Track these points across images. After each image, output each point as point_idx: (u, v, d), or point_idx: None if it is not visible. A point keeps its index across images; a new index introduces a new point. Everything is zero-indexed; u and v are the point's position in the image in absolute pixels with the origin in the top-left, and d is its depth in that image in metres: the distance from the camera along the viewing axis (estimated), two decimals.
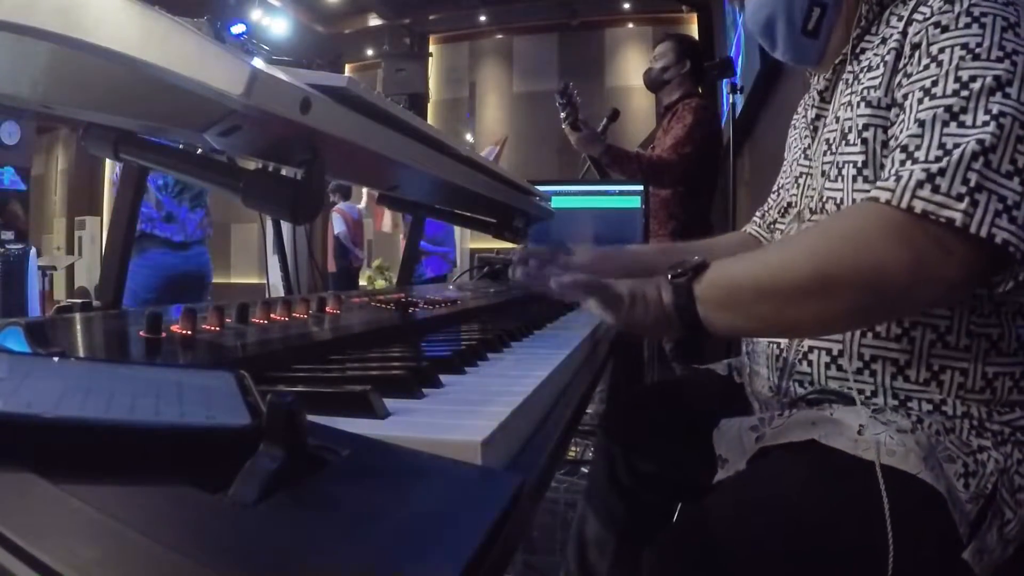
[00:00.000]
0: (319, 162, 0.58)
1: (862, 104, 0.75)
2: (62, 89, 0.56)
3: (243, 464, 0.26)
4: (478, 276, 1.92)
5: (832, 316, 0.66)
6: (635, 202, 2.16)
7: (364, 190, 6.11)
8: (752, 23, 0.90)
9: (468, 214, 1.43)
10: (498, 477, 0.35)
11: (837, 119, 0.80)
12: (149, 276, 2.59)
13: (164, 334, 0.54)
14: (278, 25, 6.72)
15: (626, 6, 8.61)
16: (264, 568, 0.21)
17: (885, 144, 0.73)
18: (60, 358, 0.38)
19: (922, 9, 0.71)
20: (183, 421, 0.28)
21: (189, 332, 0.55)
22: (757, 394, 0.89)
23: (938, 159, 0.62)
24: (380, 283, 6.46)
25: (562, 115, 2.28)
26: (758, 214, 1.11)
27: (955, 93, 0.64)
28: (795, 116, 0.98)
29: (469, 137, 8.90)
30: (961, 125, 0.63)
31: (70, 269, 8.68)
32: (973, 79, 0.64)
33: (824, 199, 0.80)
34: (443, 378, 0.55)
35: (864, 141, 0.75)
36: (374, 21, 8.81)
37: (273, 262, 2.17)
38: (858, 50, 0.81)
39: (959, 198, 0.60)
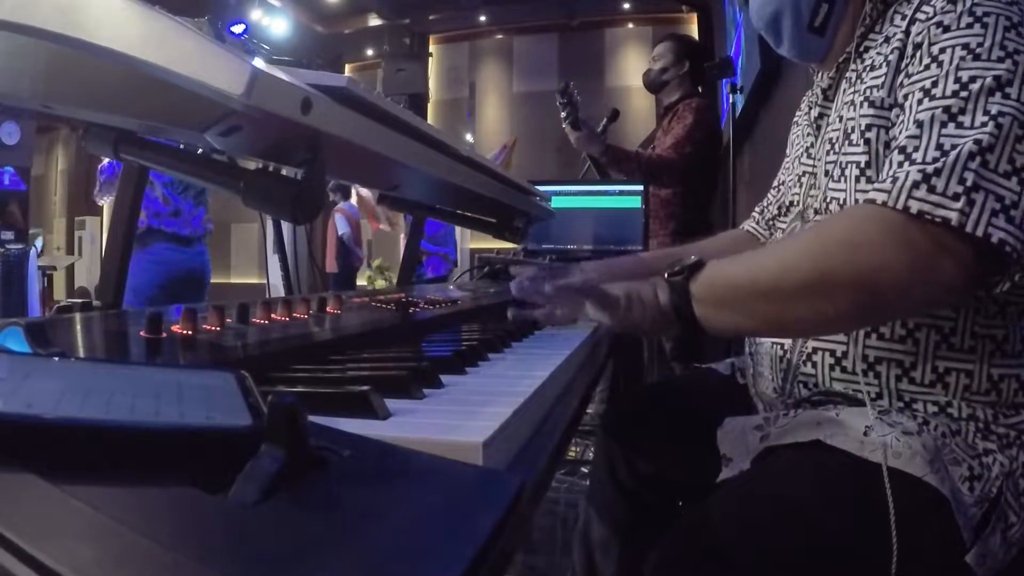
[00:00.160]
0: (319, 162, 0.58)
1: (865, 104, 0.75)
2: (62, 89, 0.56)
3: (244, 465, 0.26)
4: (478, 276, 1.92)
5: (830, 316, 0.66)
6: (635, 202, 2.16)
7: (353, 191, 6.10)
8: (758, 18, 0.90)
9: (468, 214, 1.43)
10: (498, 478, 0.35)
11: (840, 118, 0.80)
12: (154, 272, 2.62)
13: (164, 334, 0.54)
14: (278, 25, 6.72)
15: (626, 6, 8.60)
16: (264, 568, 0.21)
17: (888, 145, 0.72)
18: (60, 358, 0.38)
19: (925, 8, 0.71)
20: (184, 422, 0.28)
21: (190, 332, 0.55)
22: (761, 395, 0.88)
23: (935, 159, 0.62)
24: (380, 283, 6.46)
25: (562, 114, 2.28)
26: (757, 210, 1.11)
27: (954, 94, 0.64)
28: (798, 113, 0.98)
29: (469, 137, 8.89)
30: (959, 126, 0.63)
31: (70, 269, 8.67)
32: (973, 80, 0.64)
33: (828, 200, 0.80)
34: (444, 378, 0.55)
35: (867, 142, 0.74)
36: (374, 21, 8.80)
37: (273, 262, 2.17)
38: (862, 48, 0.81)
39: (955, 198, 0.60)
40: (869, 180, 0.74)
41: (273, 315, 0.68)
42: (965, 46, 0.66)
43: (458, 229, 5.80)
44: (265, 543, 0.23)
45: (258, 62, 0.47)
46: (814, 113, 0.88)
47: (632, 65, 8.20)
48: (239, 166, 0.63)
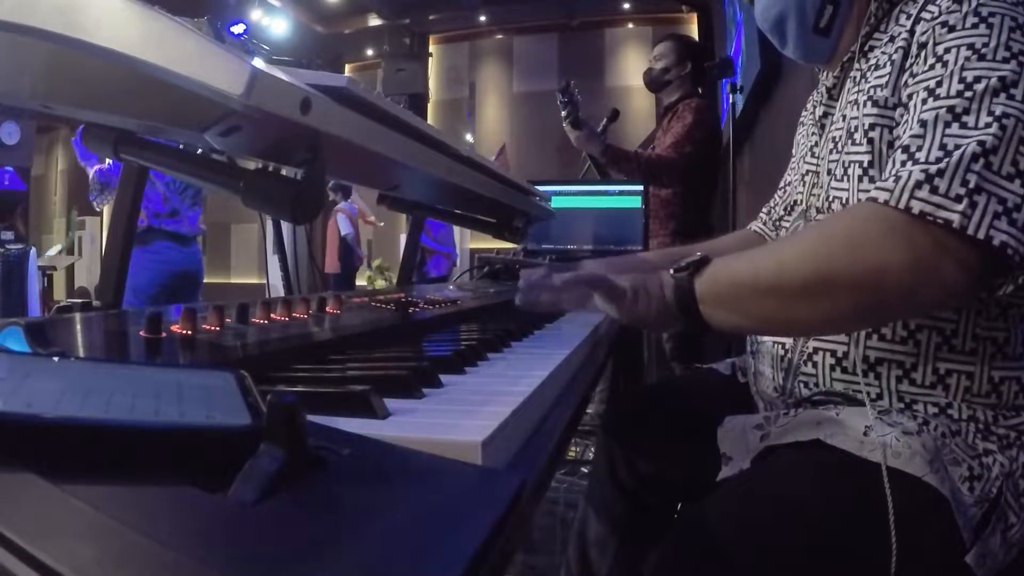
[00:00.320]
0: (319, 162, 0.58)
1: (869, 103, 0.75)
2: (62, 89, 0.56)
3: (243, 464, 0.26)
4: (478, 276, 1.92)
5: (832, 316, 0.66)
6: (635, 202, 2.16)
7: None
8: (762, 20, 0.90)
9: (468, 214, 1.43)
10: (498, 477, 0.35)
11: (844, 117, 0.80)
12: (155, 271, 2.66)
13: (164, 334, 0.54)
14: (278, 25, 6.73)
15: (626, 6, 8.60)
16: (264, 568, 0.21)
17: (891, 144, 0.72)
18: (60, 358, 0.38)
19: (930, 8, 0.71)
20: (183, 421, 0.28)
21: (189, 332, 0.55)
22: (762, 394, 0.88)
23: (938, 160, 0.62)
24: (380, 283, 6.47)
25: (563, 113, 2.28)
26: (764, 211, 1.11)
27: (959, 94, 0.64)
28: (804, 112, 0.98)
29: (469, 137, 8.90)
30: (963, 126, 0.62)
31: (70, 269, 8.67)
32: (978, 80, 0.63)
33: (831, 198, 0.80)
34: (443, 378, 0.55)
35: (870, 141, 0.74)
36: (374, 21, 8.81)
37: (273, 262, 2.17)
38: (867, 48, 0.81)
39: (957, 199, 0.59)
40: (872, 180, 0.74)
41: (273, 315, 0.68)
42: (970, 46, 0.65)
43: (457, 229, 5.81)
44: (264, 543, 0.23)
45: (258, 62, 0.47)
46: (818, 112, 0.88)
47: (632, 65, 8.21)
48: (239, 166, 0.63)
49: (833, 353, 0.77)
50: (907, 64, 0.72)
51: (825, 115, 0.87)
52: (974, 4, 0.67)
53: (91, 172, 2.83)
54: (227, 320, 0.61)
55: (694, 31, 7.26)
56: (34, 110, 0.61)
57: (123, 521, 0.22)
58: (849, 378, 0.75)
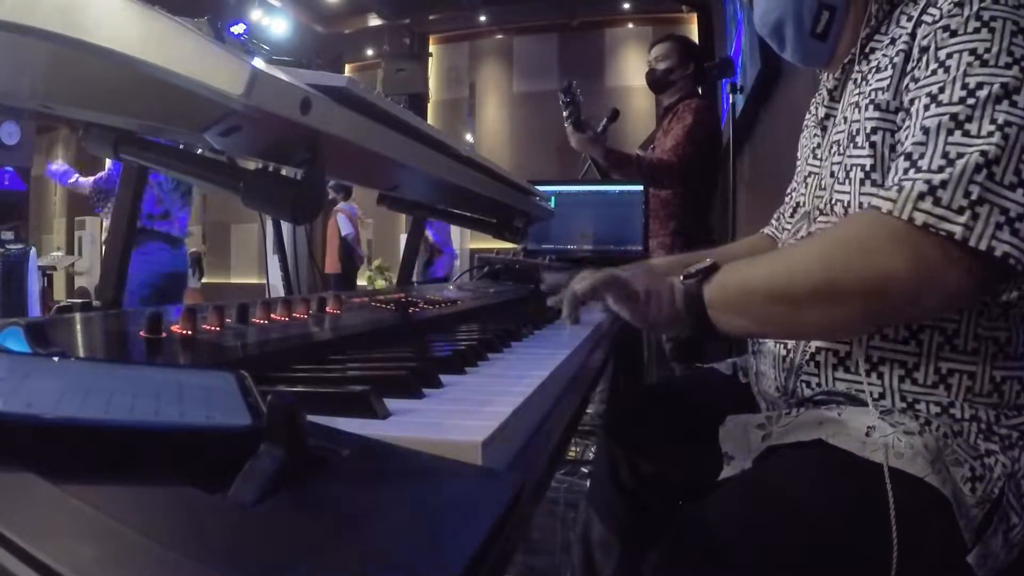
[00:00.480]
0: (319, 162, 0.58)
1: (870, 107, 0.75)
2: (62, 89, 0.56)
3: (243, 464, 0.26)
4: (478, 276, 1.92)
5: (840, 321, 0.68)
6: (635, 202, 2.16)
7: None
8: (761, 25, 0.91)
9: (468, 214, 1.43)
10: (498, 477, 0.35)
11: (845, 120, 0.80)
12: (147, 272, 2.73)
13: (164, 334, 0.54)
14: (278, 25, 6.72)
15: (626, 6, 8.60)
16: (264, 568, 0.21)
17: (893, 148, 0.72)
18: (60, 358, 0.38)
19: (931, 11, 0.70)
20: (183, 421, 0.28)
21: (189, 332, 0.55)
22: (764, 394, 0.89)
23: (941, 168, 0.62)
24: (380, 283, 6.47)
25: (564, 113, 2.28)
26: (775, 216, 1.11)
27: (961, 101, 0.64)
28: (807, 115, 0.98)
29: (469, 137, 8.90)
30: (966, 134, 0.62)
31: (70, 269, 8.67)
32: (980, 86, 0.63)
33: (833, 201, 0.80)
34: (443, 378, 0.55)
35: (872, 144, 0.74)
36: (374, 21, 8.81)
37: (273, 262, 2.17)
38: (867, 49, 0.81)
39: (960, 211, 0.60)
40: (874, 183, 0.74)
41: (273, 315, 0.68)
42: (972, 51, 0.65)
43: (457, 229, 5.81)
44: (264, 543, 0.23)
45: (258, 62, 0.47)
46: (820, 114, 0.88)
47: (632, 65, 8.21)
48: (239, 166, 0.63)
49: (835, 353, 0.77)
50: (908, 67, 0.72)
51: (827, 117, 0.87)
52: (976, 8, 0.67)
53: (87, 185, 2.91)
54: (227, 320, 0.61)
55: (694, 31, 7.26)
56: (34, 110, 0.61)
57: (123, 521, 0.22)
58: (851, 378, 0.75)
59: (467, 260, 6.18)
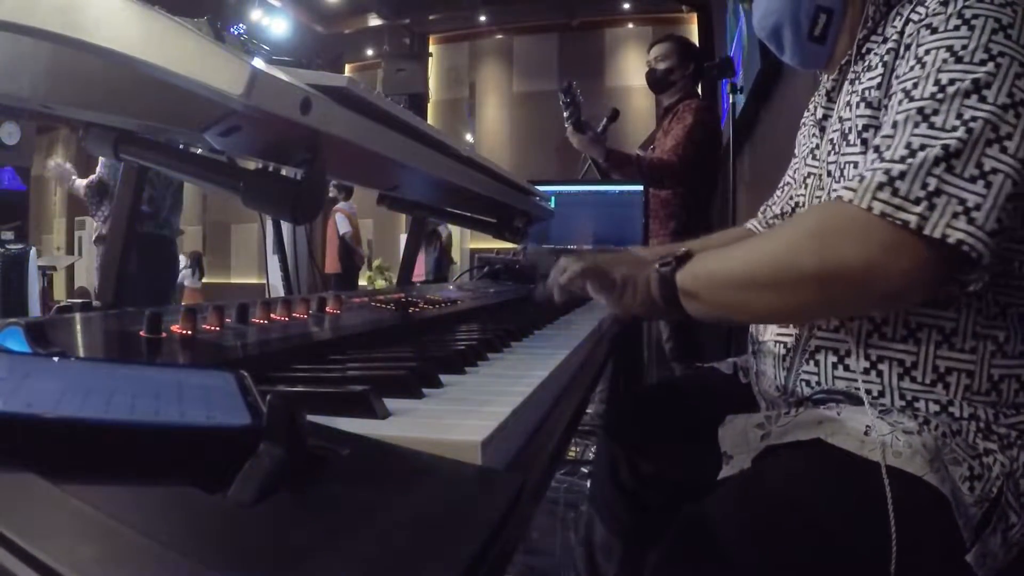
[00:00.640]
0: (319, 162, 0.58)
1: (862, 104, 0.76)
2: (62, 89, 0.56)
3: (243, 464, 0.26)
4: (478, 276, 1.92)
5: (798, 306, 0.71)
6: (635, 202, 2.16)
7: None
8: (759, 29, 0.92)
9: (468, 214, 1.43)
10: (498, 477, 0.35)
11: (840, 119, 0.81)
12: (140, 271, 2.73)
13: (164, 334, 0.54)
14: (278, 25, 6.73)
15: (626, 6, 8.61)
16: (263, 568, 0.21)
17: None
18: (60, 358, 0.38)
19: (919, 9, 0.71)
20: (183, 421, 0.28)
21: (189, 332, 0.55)
22: (764, 393, 0.89)
23: (903, 159, 0.63)
24: (380, 283, 6.47)
25: (565, 114, 2.29)
26: (762, 208, 1.12)
27: (931, 96, 0.65)
28: (805, 114, 0.98)
29: (469, 137, 8.90)
30: (931, 127, 0.63)
31: (70, 269, 8.68)
32: (951, 82, 0.64)
33: (833, 200, 0.80)
34: (443, 378, 0.55)
35: (864, 142, 0.75)
36: (374, 21, 8.81)
37: (273, 262, 2.17)
38: (864, 50, 0.82)
39: (916, 202, 0.61)
40: None
41: (273, 315, 0.68)
42: (949, 48, 0.66)
43: (457, 229, 5.81)
44: (264, 543, 0.23)
45: (258, 62, 0.47)
46: (819, 114, 0.89)
47: (632, 65, 8.21)
48: (239, 166, 0.63)
49: (835, 351, 0.77)
50: (896, 64, 0.72)
51: (825, 117, 0.88)
52: (959, 6, 0.67)
53: (80, 188, 2.93)
54: (227, 320, 0.61)
55: (694, 31, 7.27)
56: (34, 110, 0.61)
57: (123, 521, 0.22)
58: (851, 376, 0.76)
59: (467, 260, 6.18)
